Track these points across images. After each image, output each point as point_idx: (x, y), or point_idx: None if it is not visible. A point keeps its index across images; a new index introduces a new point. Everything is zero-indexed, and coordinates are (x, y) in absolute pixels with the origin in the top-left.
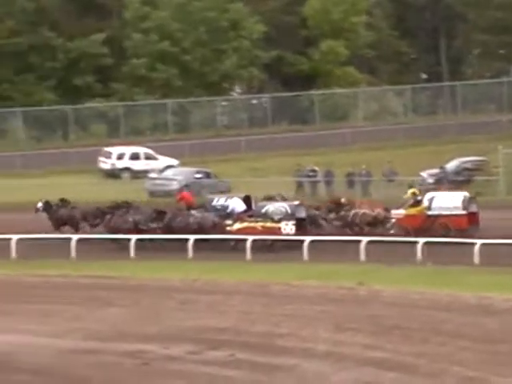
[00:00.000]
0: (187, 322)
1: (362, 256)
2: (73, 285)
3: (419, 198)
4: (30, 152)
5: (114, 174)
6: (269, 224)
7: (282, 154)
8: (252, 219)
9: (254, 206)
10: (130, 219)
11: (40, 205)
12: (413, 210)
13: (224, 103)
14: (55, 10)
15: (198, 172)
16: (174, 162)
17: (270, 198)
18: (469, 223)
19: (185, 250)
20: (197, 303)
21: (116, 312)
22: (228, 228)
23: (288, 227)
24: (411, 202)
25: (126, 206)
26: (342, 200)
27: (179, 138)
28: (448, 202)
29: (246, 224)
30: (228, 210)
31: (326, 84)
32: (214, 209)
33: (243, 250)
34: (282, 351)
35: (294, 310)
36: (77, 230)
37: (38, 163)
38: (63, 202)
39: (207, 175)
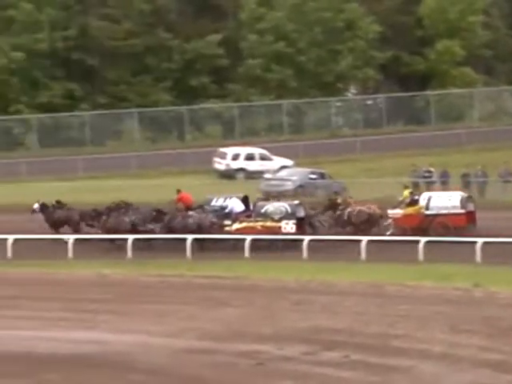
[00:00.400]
0: (302, 322)
1: (478, 257)
2: (188, 285)
3: (416, 197)
4: (146, 153)
5: (228, 175)
6: (269, 223)
7: (398, 154)
8: (251, 219)
9: (251, 207)
10: (127, 220)
11: (36, 206)
12: (410, 210)
13: (339, 104)
14: (171, 12)
15: (312, 173)
16: (289, 162)
17: (267, 199)
18: (467, 222)
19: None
20: (311, 304)
21: (231, 312)
22: (227, 228)
23: (288, 226)
24: (408, 201)
25: (124, 207)
26: (339, 200)
27: (294, 138)
28: (446, 201)
29: (244, 224)
30: (226, 211)
31: (441, 84)
32: (213, 209)
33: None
34: (398, 352)
35: (408, 311)
36: (76, 231)
37: (153, 164)
38: (59, 203)
39: (322, 176)
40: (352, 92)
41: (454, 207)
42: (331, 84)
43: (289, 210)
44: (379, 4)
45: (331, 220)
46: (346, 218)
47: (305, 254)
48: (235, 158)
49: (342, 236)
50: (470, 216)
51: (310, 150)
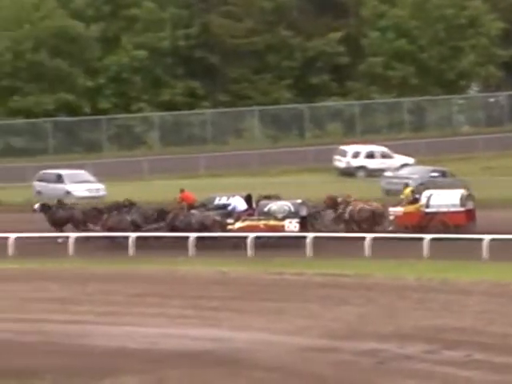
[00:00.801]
0: (423, 321)
1: None
2: (308, 283)
3: (417, 195)
4: (266, 150)
5: (349, 173)
6: (272, 222)
7: None
8: (254, 218)
9: (254, 205)
10: (128, 218)
11: (37, 206)
12: (410, 208)
13: (461, 101)
14: (293, 10)
15: (433, 171)
16: (410, 160)
17: (268, 198)
18: (466, 220)
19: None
20: (432, 302)
21: (351, 310)
22: (229, 227)
23: (292, 225)
24: (409, 199)
25: (127, 206)
26: (339, 200)
27: (415, 136)
28: (446, 199)
29: (247, 222)
30: (229, 209)
31: None
32: (216, 207)
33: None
34: None
35: None
36: (79, 230)
37: (273, 161)
38: (60, 203)
39: (443, 174)
40: (474, 89)
41: (454, 205)
42: (453, 81)
43: (292, 208)
44: (502, 0)
45: (331, 218)
46: (347, 216)
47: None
48: (356, 155)
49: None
50: (470, 214)
51: (432, 148)
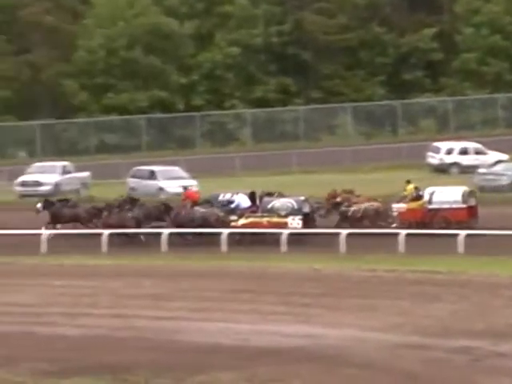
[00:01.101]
0: None
1: None
2: (400, 279)
3: (420, 192)
4: (359, 147)
5: (442, 169)
6: (275, 219)
7: None
8: (257, 214)
9: (258, 202)
10: (130, 215)
11: (39, 205)
12: (414, 204)
13: None
14: (386, 6)
15: None
16: (504, 156)
17: (271, 195)
18: (468, 216)
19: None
20: None
21: (443, 307)
22: (233, 223)
23: (295, 222)
24: (412, 196)
25: (129, 203)
26: (338, 199)
27: (509, 132)
28: (448, 196)
29: (251, 219)
30: (233, 206)
31: None
32: (221, 204)
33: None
34: None
35: None
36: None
37: (366, 158)
38: (61, 200)
39: None
40: None
41: (456, 202)
42: None
43: (295, 205)
44: None
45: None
46: (351, 213)
47: None
48: (449, 152)
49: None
50: (472, 210)
51: None
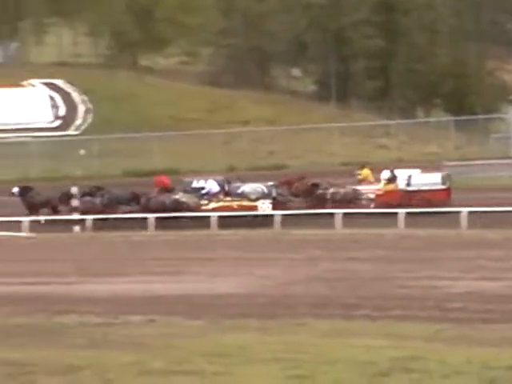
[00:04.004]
0: None
1: None
2: None
3: (395, 175)
4: None
5: None
6: (245, 203)
7: None
8: (228, 199)
9: (226, 188)
10: (97, 202)
11: (16, 190)
12: (390, 187)
13: None
14: None
15: None
16: None
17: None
18: (447, 197)
19: None
20: None
21: None
22: (203, 207)
23: (265, 205)
24: (387, 178)
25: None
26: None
27: None
28: (427, 178)
29: (221, 203)
30: (204, 191)
31: None
32: (194, 190)
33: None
34: None
35: None
36: (55, 213)
37: None
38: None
39: None
40: None
41: (435, 184)
42: None
43: (265, 190)
44: None
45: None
46: (329, 196)
47: None
48: None
49: None
50: (449, 192)
51: None
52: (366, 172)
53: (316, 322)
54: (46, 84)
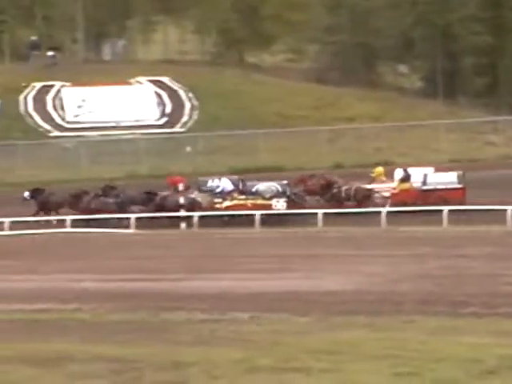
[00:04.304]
0: None
1: None
2: None
3: (409, 173)
4: None
5: None
6: (259, 201)
7: None
8: (242, 197)
9: (241, 187)
10: (110, 201)
11: (27, 194)
12: (406, 185)
13: None
14: None
15: None
16: None
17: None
18: (463, 196)
19: None
20: None
21: None
22: (217, 206)
23: (279, 204)
24: (401, 177)
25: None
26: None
27: None
28: (443, 177)
29: (235, 201)
30: (218, 190)
31: None
32: (208, 189)
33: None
34: None
35: None
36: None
37: None
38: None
39: None
40: None
41: (452, 182)
42: None
43: (280, 188)
44: None
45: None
46: (344, 195)
47: None
48: None
49: None
50: (464, 191)
51: None
52: (378, 170)
53: (423, 320)
54: (153, 81)
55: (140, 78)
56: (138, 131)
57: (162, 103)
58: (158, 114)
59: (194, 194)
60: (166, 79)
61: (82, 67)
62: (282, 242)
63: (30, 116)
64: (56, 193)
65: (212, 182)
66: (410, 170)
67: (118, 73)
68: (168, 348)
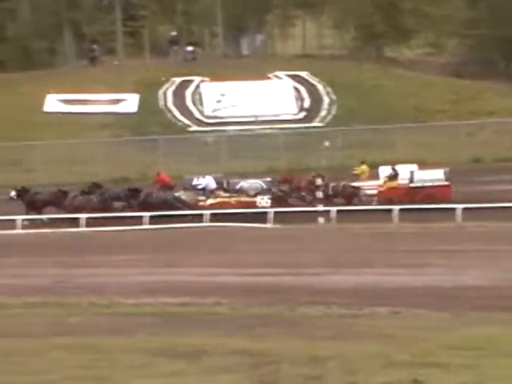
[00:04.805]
0: None
1: None
2: None
3: (397, 171)
4: None
5: None
6: (243, 199)
7: None
8: (226, 194)
9: (225, 185)
10: (94, 199)
11: (13, 193)
12: (393, 183)
13: None
14: None
15: None
16: None
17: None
18: (450, 193)
19: None
20: None
21: None
22: (201, 203)
23: (264, 201)
24: (388, 175)
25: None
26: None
27: None
28: (430, 174)
29: (219, 199)
30: (200, 187)
31: None
32: (194, 187)
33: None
34: None
35: None
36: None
37: None
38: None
39: None
40: None
41: (439, 180)
42: None
43: (264, 186)
44: None
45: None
46: (331, 191)
47: None
48: None
49: None
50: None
51: None
52: (362, 168)
53: None
54: (292, 76)
55: (279, 73)
56: (276, 126)
57: (300, 98)
58: (296, 108)
59: (180, 193)
60: (304, 74)
61: (221, 62)
62: (424, 237)
63: (170, 111)
64: (41, 192)
65: (197, 181)
66: (398, 168)
67: (257, 68)
68: (305, 342)
